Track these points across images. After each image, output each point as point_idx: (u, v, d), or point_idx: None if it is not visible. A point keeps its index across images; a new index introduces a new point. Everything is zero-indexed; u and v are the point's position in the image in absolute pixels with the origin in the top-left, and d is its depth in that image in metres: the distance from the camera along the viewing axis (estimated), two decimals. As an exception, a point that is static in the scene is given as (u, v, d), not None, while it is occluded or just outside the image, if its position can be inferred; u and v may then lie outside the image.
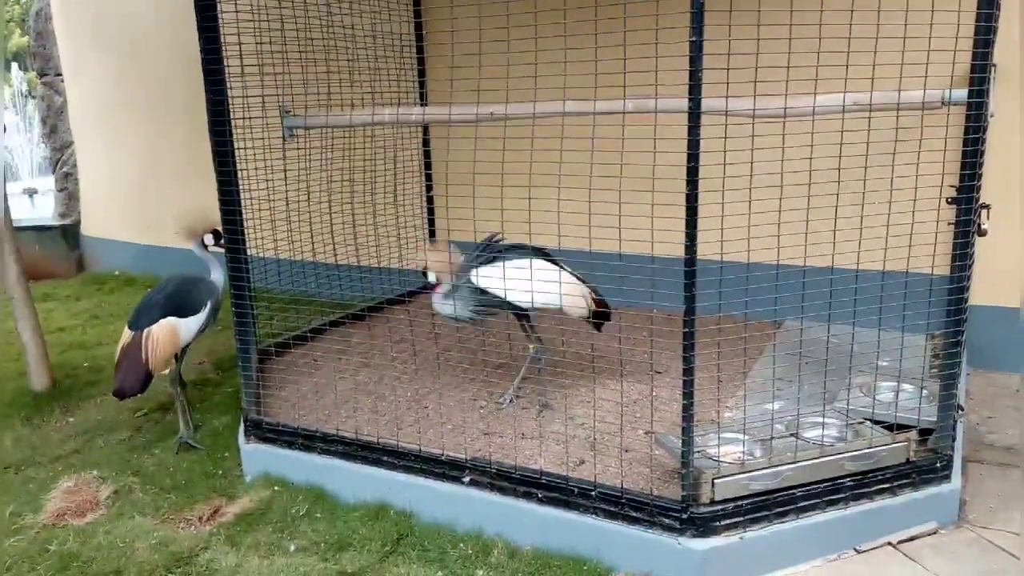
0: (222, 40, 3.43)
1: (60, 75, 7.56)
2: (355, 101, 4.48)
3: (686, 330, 2.45)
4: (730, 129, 2.44)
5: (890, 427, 2.91)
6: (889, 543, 2.79)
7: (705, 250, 2.46)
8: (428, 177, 5.56)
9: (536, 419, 3.48)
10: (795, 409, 2.92)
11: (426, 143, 5.54)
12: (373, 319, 4.92)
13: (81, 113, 7.52)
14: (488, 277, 3.46)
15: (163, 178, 7.02)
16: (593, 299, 3.66)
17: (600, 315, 3.71)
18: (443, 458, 3.04)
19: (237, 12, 3.64)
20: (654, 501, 2.63)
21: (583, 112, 2.69)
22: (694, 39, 2.24)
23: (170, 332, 3.73)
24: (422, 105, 5.41)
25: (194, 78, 6.74)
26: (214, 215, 3.73)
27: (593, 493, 2.73)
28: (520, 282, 3.27)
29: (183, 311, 3.79)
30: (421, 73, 5.41)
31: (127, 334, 3.76)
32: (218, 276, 4.01)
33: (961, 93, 2.64)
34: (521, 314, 3.67)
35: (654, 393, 3.37)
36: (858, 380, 3.31)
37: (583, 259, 3.57)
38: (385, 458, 3.16)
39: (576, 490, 2.77)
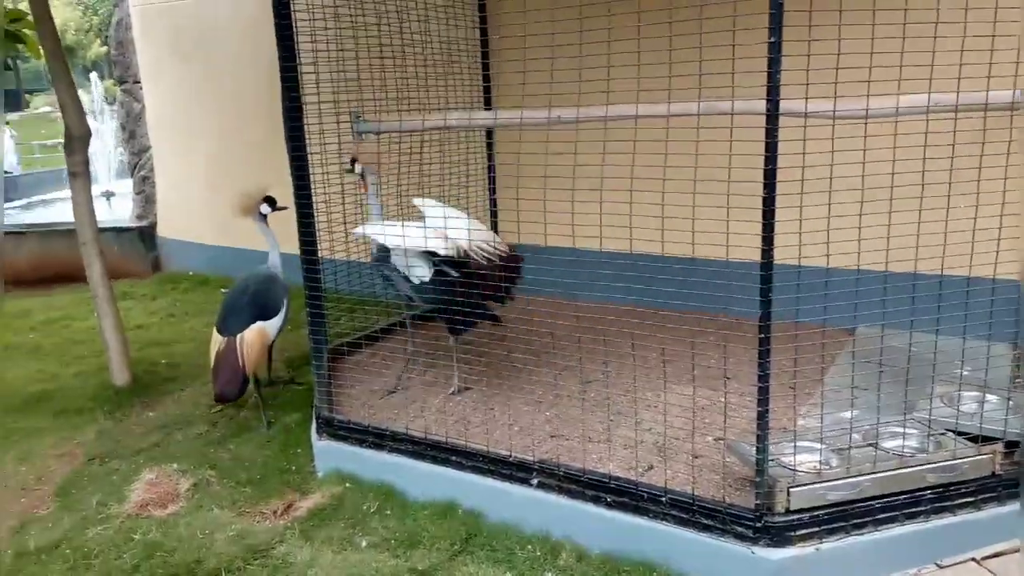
0: (298, 47, 3.55)
1: (139, 82, 7.85)
2: (421, 105, 4.55)
3: (762, 336, 2.42)
4: (808, 131, 2.40)
5: (974, 439, 2.81)
6: (973, 559, 2.69)
7: (781, 254, 2.43)
8: (492, 181, 5.61)
9: (604, 423, 3.47)
10: (873, 418, 2.84)
11: (489, 147, 5.59)
12: (439, 320, 4.98)
13: (158, 119, 7.80)
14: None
15: (235, 181, 7.20)
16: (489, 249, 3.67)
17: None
18: (511, 459, 3.06)
19: (312, 20, 3.74)
20: (727, 509, 2.60)
21: (656, 115, 2.67)
22: (773, 40, 2.21)
23: (261, 335, 3.96)
24: (488, 109, 5.47)
25: (267, 84, 6.88)
26: (262, 185, 4.04)
27: (664, 499, 2.71)
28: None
29: (267, 313, 4.03)
30: (486, 78, 5.46)
31: (219, 339, 3.94)
32: (275, 257, 4.19)
33: (1054, 93, 2.54)
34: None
35: (724, 399, 3.32)
36: (940, 390, 3.20)
37: (653, 263, 3.55)
38: (454, 458, 3.20)
39: (646, 495, 2.75)
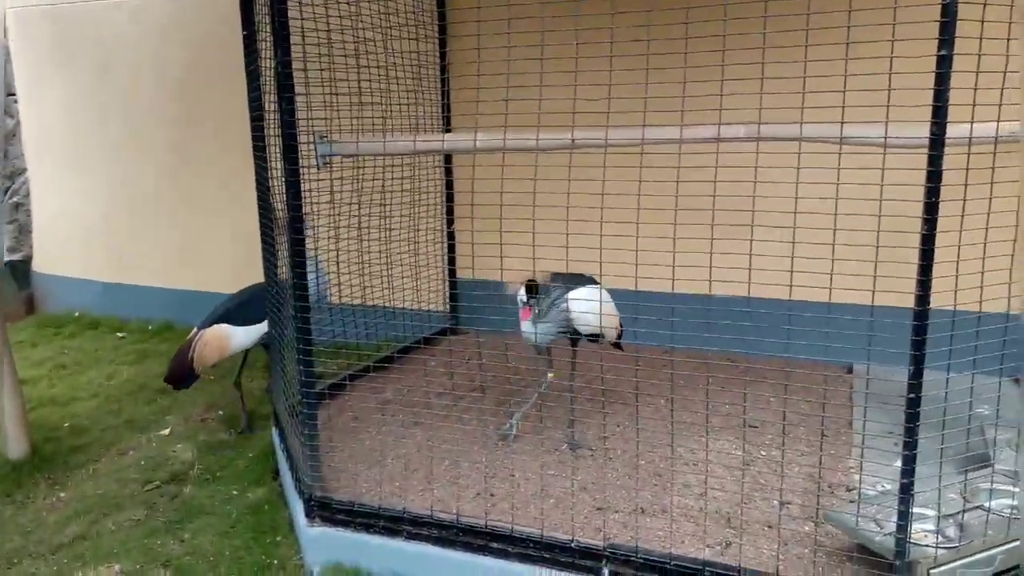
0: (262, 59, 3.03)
1: (13, 94, 6.78)
2: (375, 127, 4.02)
3: (911, 396, 2.08)
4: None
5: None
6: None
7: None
8: (450, 211, 5.14)
9: (648, 488, 3.04)
10: (949, 472, 2.51)
11: (448, 172, 5.13)
12: (399, 367, 4.42)
13: (38, 137, 6.76)
14: (579, 300, 3.32)
15: (136, 210, 6.34)
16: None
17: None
18: (573, 545, 2.56)
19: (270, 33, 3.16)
20: (858, 596, 2.23)
21: (785, 137, 2.30)
22: (943, 52, 1.90)
23: (218, 336, 3.95)
24: (446, 131, 5.01)
25: (178, 100, 6.07)
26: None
27: (777, 587, 2.31)
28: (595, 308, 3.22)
29: (240, 320, 3.98)
30: (445, 95, 5.00)
31: (193, 332, 4.03)
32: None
33: None
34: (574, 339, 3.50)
35: (767, 454, 2.99)
36: (1002, 436, 2.99)
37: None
38: (495, 544, 2.66)
39: (753, 584, 2.34)
